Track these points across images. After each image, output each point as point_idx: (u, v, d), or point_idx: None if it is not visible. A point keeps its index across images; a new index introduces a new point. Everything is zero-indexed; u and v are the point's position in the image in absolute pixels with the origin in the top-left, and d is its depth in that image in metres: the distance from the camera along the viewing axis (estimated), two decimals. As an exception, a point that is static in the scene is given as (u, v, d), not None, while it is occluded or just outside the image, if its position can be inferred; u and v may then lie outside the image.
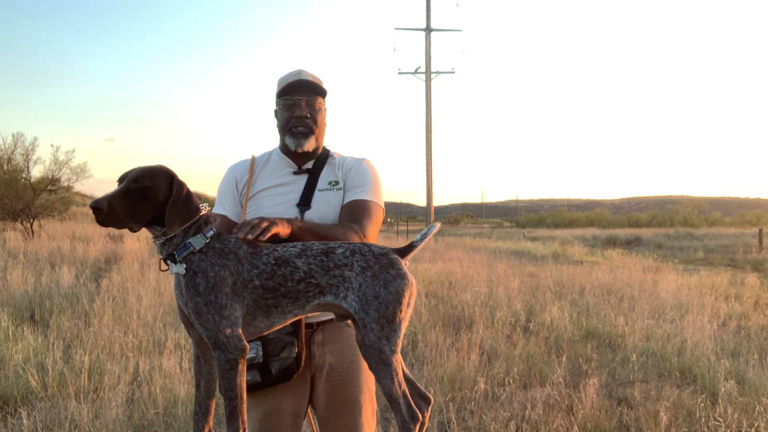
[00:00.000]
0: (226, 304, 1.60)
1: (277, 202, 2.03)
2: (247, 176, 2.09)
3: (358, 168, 2.11)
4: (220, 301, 1.59)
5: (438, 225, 1.85)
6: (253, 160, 2.13)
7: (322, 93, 2.08)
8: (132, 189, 1.59)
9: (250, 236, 1.67)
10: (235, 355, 1.60)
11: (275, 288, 1.65)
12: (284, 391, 1.96)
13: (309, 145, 2.05)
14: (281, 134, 2.10)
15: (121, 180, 1.62)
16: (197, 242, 1.63)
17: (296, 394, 2.00)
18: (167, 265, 1.65)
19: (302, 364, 1.95)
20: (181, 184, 1.66)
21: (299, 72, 2.06)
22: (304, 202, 2.02)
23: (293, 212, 2.01)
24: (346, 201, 2.05)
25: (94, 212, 1.55)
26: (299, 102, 2.04)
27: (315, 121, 2.06)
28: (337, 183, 2.09)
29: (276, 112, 2.12)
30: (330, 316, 2.01)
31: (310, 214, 2.01)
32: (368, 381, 2.10)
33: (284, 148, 2.11)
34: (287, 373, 1.92)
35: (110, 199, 1.56)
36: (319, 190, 2.05)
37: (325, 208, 2.03)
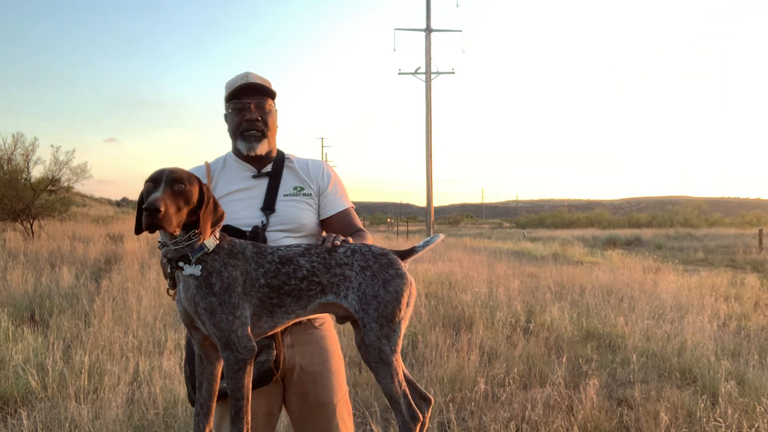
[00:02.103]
0: (238, 303, 1.60)
1: (240, 207, 2.02)
2: (206, 181, 2.07)
3: (328, 177, 2.15)
4: (234, 301, 1.60)
5: (442, 236, 1.86)
6: (209, 167, 2.12)
7: (271, 95, 2.07)
8: (176, 191, 1.55)
9: (337, 242, 1.74)
10: (245, 356, 1.60)
11: (279, 286, 1.66)
12: (256, 391, 1.95)
13: (262, 149, 2.05)
14: (233, 138, 2.09)
15: (153, 182, 1.57)
16: (210, 243, 1.63)
17: (268, 394, 2.00)
18: (179, 267, 1.62)
19: (281, 366, 1.94)
20: (209, 189, 1.66)
21: (246, 75, 2.05)
22: (269, 206, 2.02)
23: (258, 216, 2.01)
24: (334, 211, 2.10)
25: (150, 214, 1.46)
26: (248, 105, 2.02)
27: (266, 124, 2.05)
28: (302, 189, 2.09)
29: (226, 116, 2.10)
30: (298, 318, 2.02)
31: (275, 219, 2.01)
32: (340, 382, 2.09)
33: (237, 152, 2.10)
34: (267, 376, 1.91)
35: (165, 200, 1.50)
36: (284, 195, 2.05)
37: (292, 212, 2.03)
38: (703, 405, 3.81)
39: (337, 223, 2.08)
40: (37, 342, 4.81)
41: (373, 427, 3.46)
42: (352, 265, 1.69)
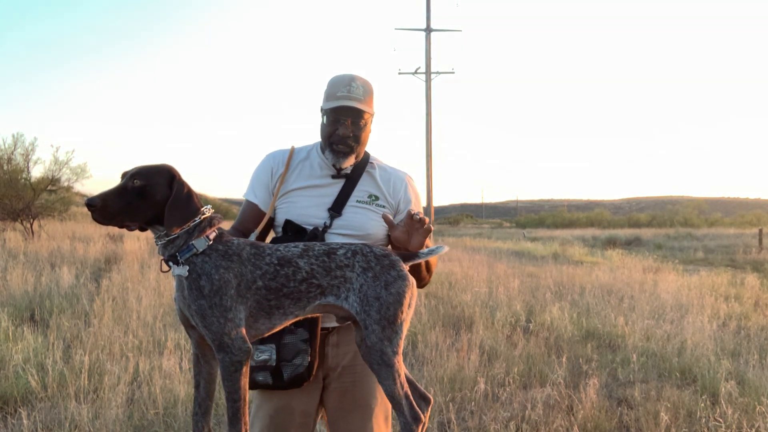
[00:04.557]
0: (231, 306, 1.60)
1: (310, 203, 2.02)
2: (283, 169, 2.06)
3: (408, 197, 2.13)
4: (225, 303, 1.59)
5: (446, 248, 1.85)
6: (292, 152, 2.10)
7: (370, 109, 2.02)
8: (128, 187, 1.59)
9: (422, 216, 1.80)
10: (240, 357, 1.60)
11: (278, 289, 1.65)
12: (297, 389, 1.97)
13: (348, 163, 2.02)
14: (323, 143, 2.05)
15: (122, 177, 1.63)
16: (200, 244, 1.62)
17: (308, 393, 2.01)
18: (169, 266, 1.64)
19: (314, 373, 1.94)
20: (182, 184, 1.65)
21: (350, 86, 1.96)
22: (337, 209, 2.01)
23: (324, 216, 2.00)
24: None
25: (88, 209, 1.57)
26: (344, 121, 1.98)
27: (357, 140, 2.00)
28: (377, 198, 2.07)
29: (321, 112, 2.04)
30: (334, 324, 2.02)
31: (339, 222, 2.00)
32: None
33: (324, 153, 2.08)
34: (298, 380, 1.92)
35: (104, 196, 1.57)
36: (357, 200, 2.03)
37: (360, 219, 2.01)
38: (703, 405, 3.81)
39: None
40: (37, 342, 4.81)
41: (373, 427, 3.46)
42: (353, 267, 1.68)
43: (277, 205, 2.05)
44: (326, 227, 1.98)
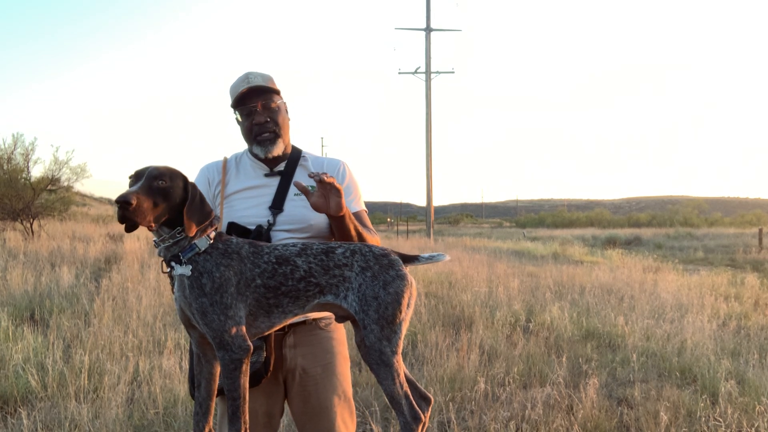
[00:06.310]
0: (231, 304, 1.60)
1: (250, 204, 2.03)
2: (220, 177, 2.09)
3: (342, 178, 2.13)
4: (226, 301, 1.59)
5: (447, 257, 1.84)
6: (225, 162, 2.13)
7: (275, 91, 2.05)
8: (154, 187, 1.57)
9: (326, 178, 1.75)
10: (240, 355, 1.60)
11: (276, 287, 1.66)
12: (257, 391, 1.96)
13: (278, 150, 2.04)
14: (248, 143, 2.09)
15: (136, 177, 1.59)
16: (202, 243, 1.63)
17: (269, 394, 2.01)
18: (171, 267, 1.64)
19: (271, 368, 1.94)
20: (195, 187, 1.66)
21: (247, 77, 2.02)
22: (277, 206, 2.01)
23: (266, 215, 2.01)
24: None
25: (120, 206, 1.49)
26: (255, 108, 2.01)
27: (276, 123, 2.03)
28: (314, 188, 2.08)
29: (237, 121, 2.09)
30: (301, 318, 2.01)
31: (282, 218, 2.00)
32: (343, 383, 2.09)
33: (254, 154, 2.10)
34: (255, 378, 1.91)
35: (138, 194, 1.52)
36: (295, 194, 2.04)
37: (301, 211, 2.02)
38: (703, 404, 3.81)
39: None
40: (37, 341, 4.81)
41: (373, 426, 3.46)
42: (352, 266, 1.68)
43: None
44: (270, 225, 1.98)
